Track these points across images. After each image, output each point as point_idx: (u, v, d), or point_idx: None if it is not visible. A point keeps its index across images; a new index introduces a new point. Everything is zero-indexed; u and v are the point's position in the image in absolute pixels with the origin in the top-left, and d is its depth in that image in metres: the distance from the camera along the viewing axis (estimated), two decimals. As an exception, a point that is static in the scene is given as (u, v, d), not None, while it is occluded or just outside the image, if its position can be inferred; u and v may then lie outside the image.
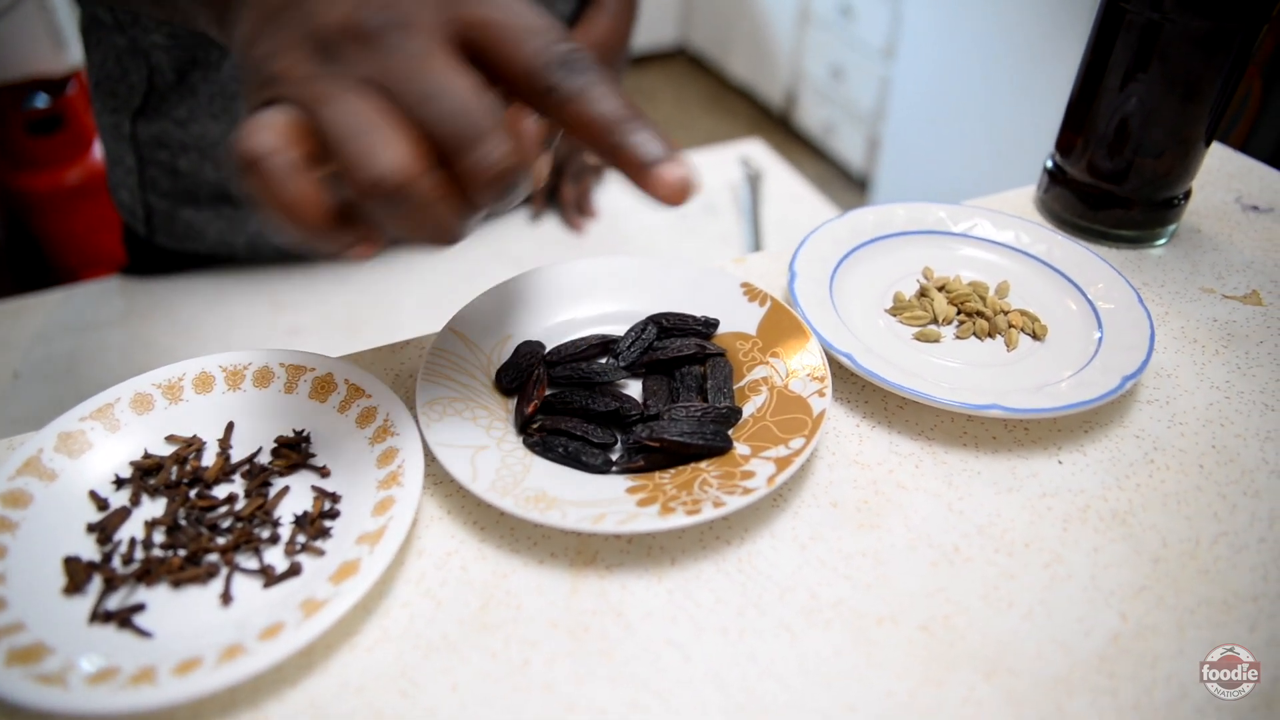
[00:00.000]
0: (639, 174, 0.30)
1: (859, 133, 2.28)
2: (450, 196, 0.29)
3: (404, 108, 0.29)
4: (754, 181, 1.03)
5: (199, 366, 0.42)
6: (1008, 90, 1.74)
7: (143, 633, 0.33)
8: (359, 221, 0.30)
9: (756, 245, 0.95)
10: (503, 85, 0.31)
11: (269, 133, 0.28)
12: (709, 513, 0.35)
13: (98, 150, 1.57)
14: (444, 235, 0.30)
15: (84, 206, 1.55)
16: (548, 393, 0.42)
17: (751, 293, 0.47)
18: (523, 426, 0.41)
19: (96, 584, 0.34)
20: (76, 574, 0.34)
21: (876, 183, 2.21)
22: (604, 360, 0.45)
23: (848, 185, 2.37)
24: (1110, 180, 0.54)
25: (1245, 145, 0.68)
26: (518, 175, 0.29)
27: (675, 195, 0.30)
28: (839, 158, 2.41)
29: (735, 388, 0.43)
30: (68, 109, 1.54)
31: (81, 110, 1.56)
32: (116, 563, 0.35)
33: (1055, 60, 1.60)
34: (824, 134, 2.44)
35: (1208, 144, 0.53)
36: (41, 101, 1.52)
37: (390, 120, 0.28)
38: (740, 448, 0.39)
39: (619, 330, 0.47)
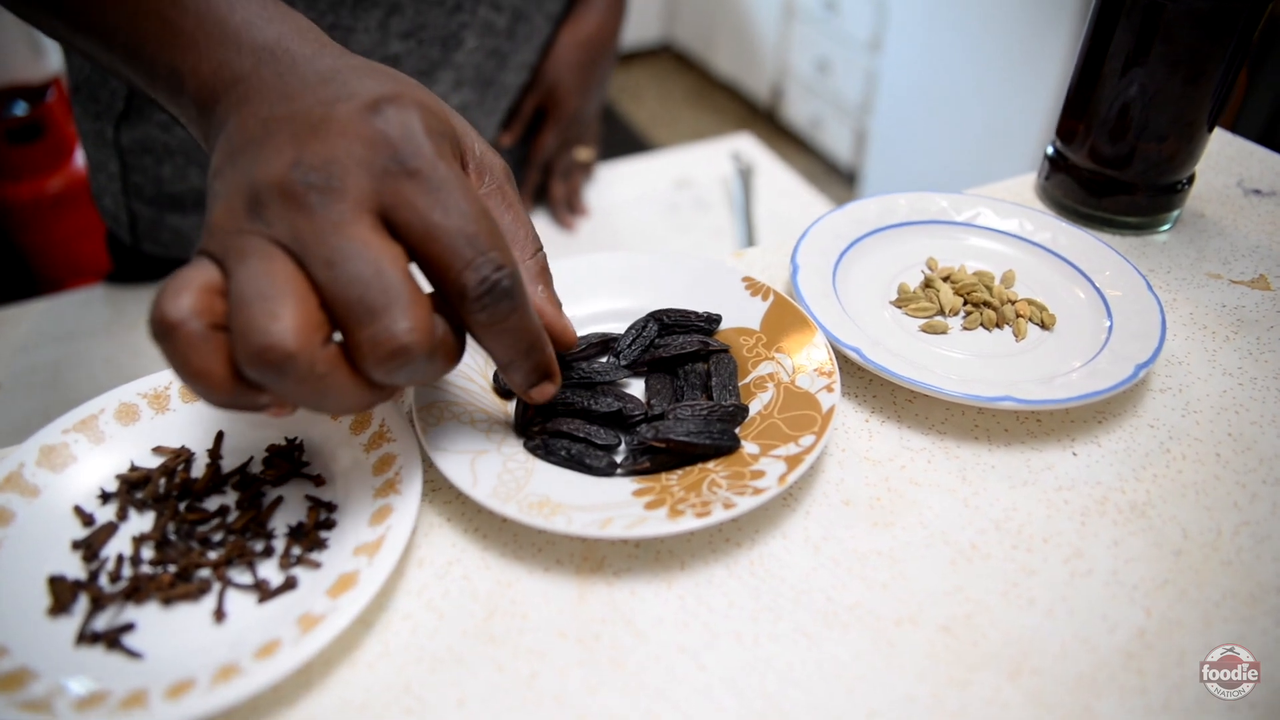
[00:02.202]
0: (521, 394, 0.35)
1: (846, 126, 2.27)
2: (343, 371, 0.28)
3: (310, 273, 0.28)
4: (745, 176, 1.02)
5: (186, 375, 0.41)
6: (994, 81, 1.73)
7: (132, 654, 0.31)
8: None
9: (750, 240, 0.95)
10: (421, 268, 0.31)
11: (185, 296, 0.28)
12: (719, 514, 0.34)
13: (79, 158, 1.55)
14: (342, 410, 0.30)
15: (67, 215, 1.53)
16: (548, 394, 0.41)
17: (754, 287, 0.46)
18: (523, 429, 0.40)
19: (83, 604, 0.33)
20: (62, 594, 0.33)
21: (865, 176, 2.20)
22: (604, 359, 0.44)
23: (836, 179, 2.37)
24: (1113, 166, 0.53)
25: (1231, 130, 0.67)
26: (420, 356, 0.28)
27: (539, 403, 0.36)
28: (826, 152, 2.40)
29: (740, 385, 0.42)
30: (48, 116, 1.51)
31: (62, 118, 1.53)
32: (104, 581, 0.34)
33: (1041, 50, 1.60)
34: (811, 128, 2.43)
35: (1211, 128, 0.52)
36: (20, 109, 1.50)
37: (290, 288, 0.28)
38: (749, 446, 0.38)
39: (618, 328, 0.46)
